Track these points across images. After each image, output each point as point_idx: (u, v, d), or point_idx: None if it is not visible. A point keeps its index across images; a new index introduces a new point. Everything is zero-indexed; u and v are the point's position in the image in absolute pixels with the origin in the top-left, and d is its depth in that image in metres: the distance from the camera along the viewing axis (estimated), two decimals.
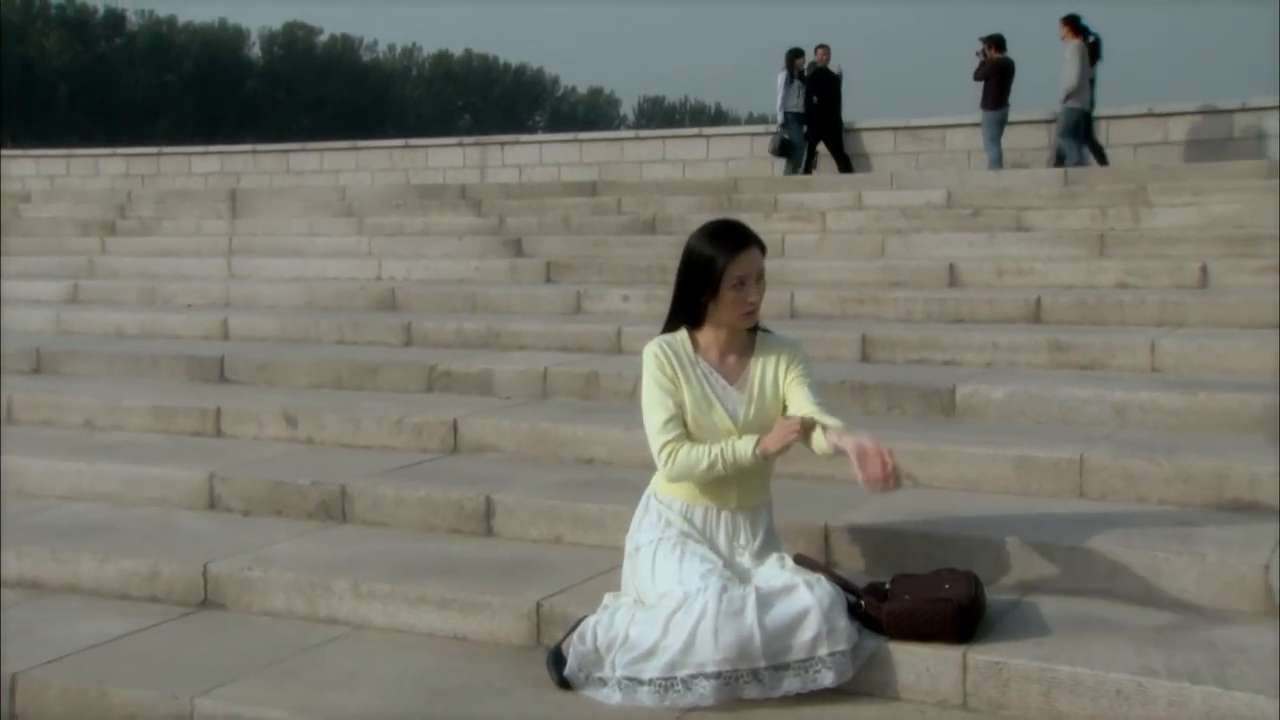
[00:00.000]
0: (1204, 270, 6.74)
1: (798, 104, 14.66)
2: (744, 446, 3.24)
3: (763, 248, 3.35)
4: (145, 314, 8.03)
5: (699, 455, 3.28)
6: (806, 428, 3.22)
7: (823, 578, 3.17)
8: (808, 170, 14.48)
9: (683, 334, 3.41)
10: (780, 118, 14.81)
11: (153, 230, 11.43)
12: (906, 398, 5.08)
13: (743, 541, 3.38)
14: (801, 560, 3.34)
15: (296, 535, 4.37)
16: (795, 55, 14.95)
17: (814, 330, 6.10)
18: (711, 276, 3.26)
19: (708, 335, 3.39)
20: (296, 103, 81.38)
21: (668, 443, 3.31)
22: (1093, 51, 13.09)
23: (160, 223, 11.61)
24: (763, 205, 9.83)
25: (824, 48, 14.99)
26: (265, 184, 17.23)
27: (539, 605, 3.56)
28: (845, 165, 14.30)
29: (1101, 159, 13.02)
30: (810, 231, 8.95)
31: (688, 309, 3.37)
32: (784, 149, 14.58)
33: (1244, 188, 8.63)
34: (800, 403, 3.32)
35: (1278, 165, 9.35)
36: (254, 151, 19.54)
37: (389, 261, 9.04)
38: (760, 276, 3.33)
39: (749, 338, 3.43)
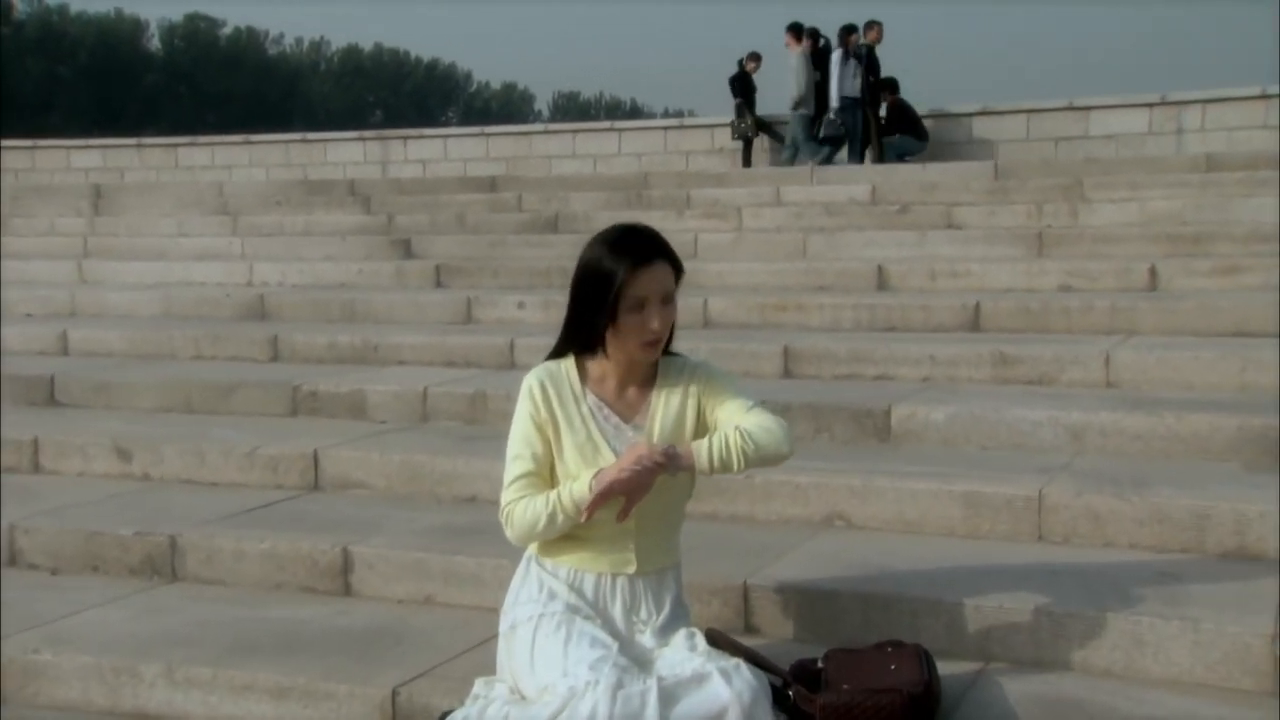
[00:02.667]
0: (1153, 271, 6.30)
1: (854, 87, 13.26)
2: (580, 484, 2.64)
3: (676, 264, 2.70)
4: None
5: (537, 510, 2.69)
6: (668, 458, 2.61)
7: (741, 663, 2.57)
8: (862, 156, 13.32)
9: (569, 362, 2.79)
10: (835, 103, 13.29)
11: None
12: (836, 420, 4.52)
13: (644, 615, 2.77)
14: (716, 638, 2.74)
15: (110, 601, 3.69)
16: (849, 32, 13.39)
17: (730, 342, 5.56)
18: (607, 296, 2.62)
19: (603, 364, 2.77)
20: (200, 97, 79.23)
21: (508, 504, 2.73)
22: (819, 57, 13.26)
23: (10, 221, 10.67)
24: (674, 202, 9.31)
25: (877, 25, 13.64)
26: (152, 180, 16.19)
27: (395, 693, 2.97)
28: (881, 154, 13.26)
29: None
30: (726, 230, 8.42)
31: (581, 331, 2.74)
32: (836, 137, 13.27)
33: (1182, 183, 8.29)
34: (730, 416, 2.72)
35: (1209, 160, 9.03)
36: (139, 145, 18.48)
37: (262, 264, 8.30)
38: (668, 300, 2.69)
39: (653, 364, 2.81)
